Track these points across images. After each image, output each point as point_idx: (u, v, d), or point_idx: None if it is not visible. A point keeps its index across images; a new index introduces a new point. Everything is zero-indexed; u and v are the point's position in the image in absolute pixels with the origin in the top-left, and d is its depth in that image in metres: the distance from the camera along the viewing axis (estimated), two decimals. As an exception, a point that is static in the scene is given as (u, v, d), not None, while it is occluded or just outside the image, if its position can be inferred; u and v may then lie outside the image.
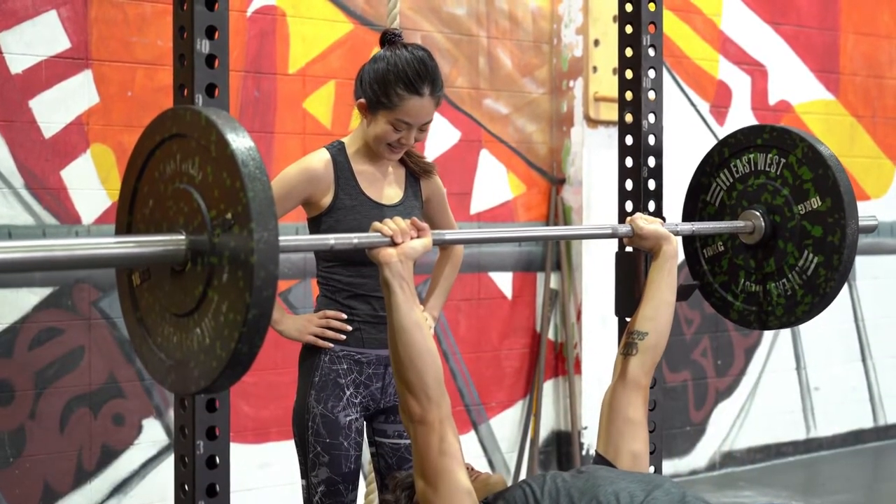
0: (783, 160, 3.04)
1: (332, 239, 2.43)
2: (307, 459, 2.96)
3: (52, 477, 4.29)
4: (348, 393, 2.99)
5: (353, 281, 2.95)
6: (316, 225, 3.00)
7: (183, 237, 2.08)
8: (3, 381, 4.18)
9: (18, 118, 4.20)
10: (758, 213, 3.06)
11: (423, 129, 2.96)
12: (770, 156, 3.06)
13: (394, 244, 2.46)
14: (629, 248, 3.14)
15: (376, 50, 3.06)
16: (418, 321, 2.45)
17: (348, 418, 2.96)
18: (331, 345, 2.98)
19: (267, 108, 4.73)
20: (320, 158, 3.01)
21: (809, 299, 2.98)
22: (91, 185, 4.34)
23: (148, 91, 4.43)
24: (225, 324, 2.00)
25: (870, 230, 3.16)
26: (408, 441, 3.08)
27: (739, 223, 3.07)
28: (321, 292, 3.04)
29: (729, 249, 3.13)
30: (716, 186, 3.15)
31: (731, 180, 3.13)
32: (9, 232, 4.18)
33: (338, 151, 3.03)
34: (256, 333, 1.99)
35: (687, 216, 3.21)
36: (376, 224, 2.48)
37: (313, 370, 2.99)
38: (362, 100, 2.97)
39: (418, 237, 2.49)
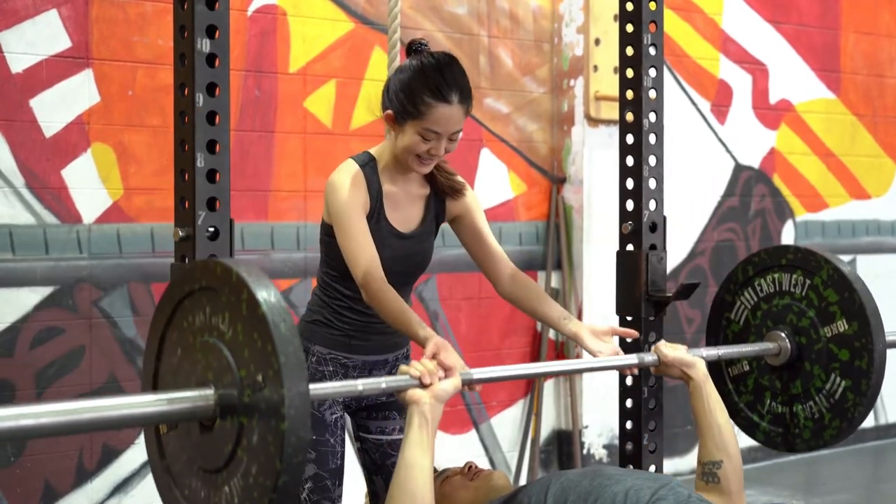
0: (808, 281, 3.03)
1: (360, 385, 2.43)
2: None
3: (52, 476, 4.29)
4: None
5: (352, 295, 2.94)
6: (333, 240, 2.90)
7: (212, 392, 2.07)
8: (4, 381, 4.18)
9: (19, 117, 4.20)
10: (783, 335, 3.05)
11: (452, 138, 2.85)
12: (795, 276, 3.05)
13: (423, 385, 2.48)
14: (630, 247, 3.14)
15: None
16: (423, 467, 2.44)
17: (334, 416, 2.98)
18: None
19: (267, 107, 4.73)
20: (355, 172, 2.89)
21: (837, 423, 2.97)
22: (92, 184, 4.34)
23: (149, 90, 4.42)
24: (254, 486, 1.99)
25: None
26: (390, 437, 3.10)
27: (766, 346, 3.06)
28: (318, 292, 3.03)
29: (754, 369, 3.12)
30: (740, 305, 3.14)
31: (756, 299, 3.12)
32: (9, 231, 4.18)
33: (368, 166, 2.92)
34: (287, 499, 1.97)
35: (711, 333, 3.20)
36: (403, 367, 2.52)
37: None
38: (389, 111, 2.87)
39: (446, 377, 2.51)
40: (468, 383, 2.57)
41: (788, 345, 3.04)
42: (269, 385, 1.96)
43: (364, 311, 2.95)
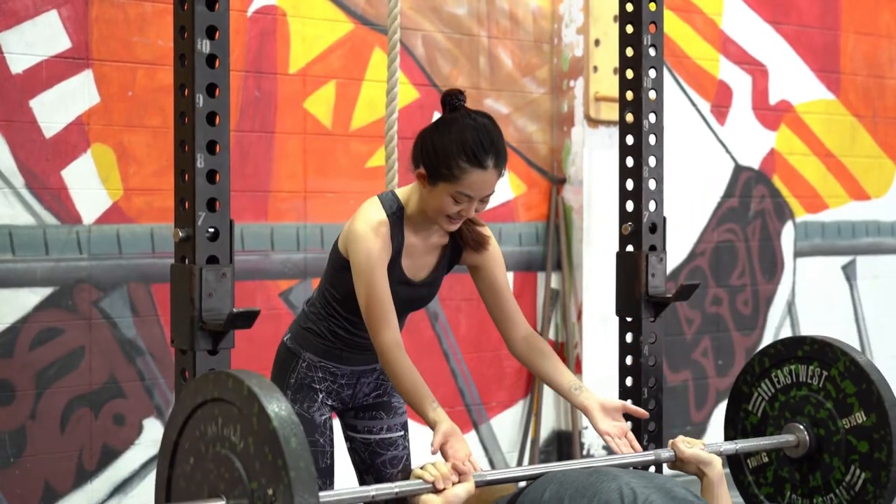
0: (825, 373, 3.03)
1: (372, 491, 2.45)
2: None
3: (52, 477, 4.28)
4: (321, 396, 3.01)
5: (351, 319, 2.94)
6: (344, 272, 2.87)
7: None
8: (3, 381, 4.18)
9: (19, 118, 4.20)
10: (802, 427, 3.05)
11: (483, 200, 2.79)
12: (811, 368, 3.05)
13: (436, 490, 2.49)
14: (630, 248, 3.14)
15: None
16: None
17: (323, 417, 3.00)
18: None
19: (267, 107, 4.73)
20: (381, 221, 2.83)
21: None
22: (91, 184, 4.34)
23: (148, 91, 4.42)
24: None
25: None
26: (378, 437, 3.11)
27: (784, 438, 3.05)
28: (317, 303, 3.00)
29: (773, 461, 3.12)
30: (757, 396, 3.15)
31: (773, 391, 3.12)
32: (9, 232, 4.17)
33: (395, 215, 2.87)
34: None
35: (729, 425, 3.19)
36: (417, 471, 2.53)
37: (290, 372, 3.01)
38: (422, 169, 2.78)
39: (460, 481, 2.52)
40: (481, 486, 2.58)
41: (807, 437, 3.03)
42: (280, 499, 1.98)
43: (358, 334, 2.95)
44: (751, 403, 3.16)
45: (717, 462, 2.87)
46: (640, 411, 3.01)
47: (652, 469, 3.03)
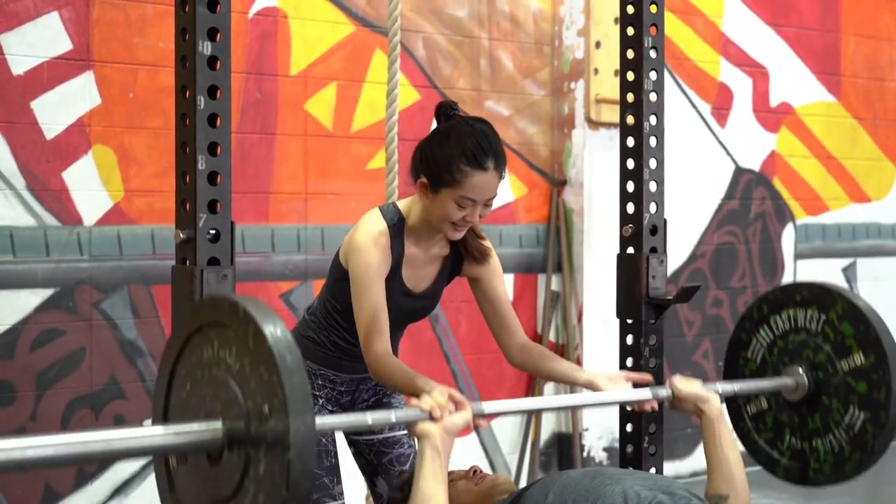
0: (823, 316, 3.03)
1: (369, 418, 2.46)
2: None
3: (53, 478, 4.28)
4: (321, 402, 3.03)
5: (352, 329, 2.94)
6: (345, 283, 2.88)
7: (220, 425, 2.10)
8: (4, 382, 4.18)
9: (20, 119, 4.20)
10: (800, 370, 3.04)
11: (487, 204, 2.81)
12: (810, 312, 3.05)
13: (433, 419, 2.49)
14: (630, 250, 3.14)
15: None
16: (438, 497, 2.45)
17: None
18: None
19: (268, 109, 4.73)
20: (381, 231, 2.85)
21: (857, 456, 2.97)
22: (92, 186, 4.34)
23: (149, 92, 4.43)
24: None
25: None
26: (381, 436, 3.11)
27: (783, 381, 3.05)
28: (317, 312, 3.01)
29: (773, 406, 3.11)
30: (756, 343, 3.15)
31: (772, 337, 3.12)
32: (10, 233, 4.18)
33: (396, 228, 2.88)
34: None
35: (728, 373, 3.19)
36: (414, 400, 2.52)
37: None
38: (423, 179, 2.80)
39: (457, 410, 2.52)
40: (479, 416, 2.58)
41: (806, 380, 3.03)
42: (275, 415, 1.99)
43: (358, 345, 2.94)
44: (749, 350, 3.16)
45: (715, 399, 2.88)
46: (644, 377, 3.01)
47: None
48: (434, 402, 2.50)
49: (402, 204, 2.94)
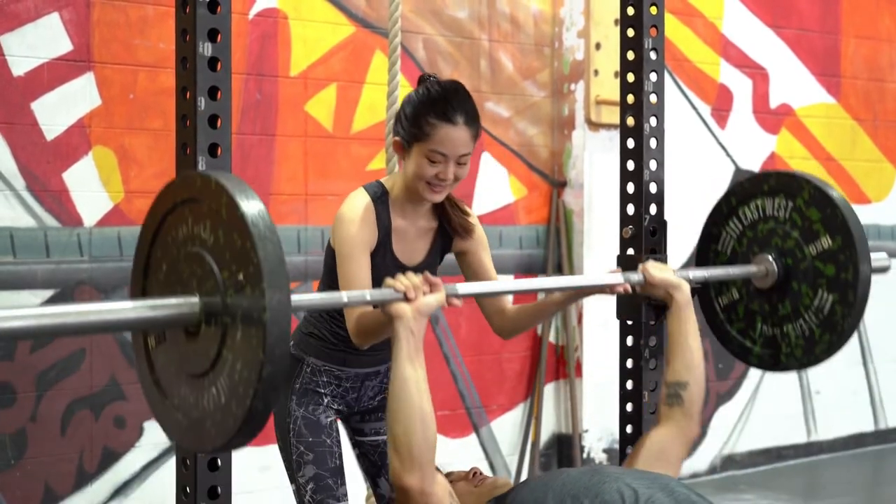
0: (791, 203, 3.05)
1: (345, 296, 2.47)
2: (292, 462, 2.99)
3: (53, 479, 4.29)
4: (327, 400, 3.03)
5: None
6: (337, 269, 2.89)
7: (196, 299, 2.10)
8: (4, 384, 4.18)
9: (20, 120, 4.20)
10: (770, 258, 3.07)
11: (460, 162, 2.84)
12: (777, 200, 3.08)
13: (407, 299, 2.47)
14: (630, 252, 3.14)
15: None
16: (417, 379, 2.45)
17: (328, 419, 3.01)
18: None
19: (268, 110, 4.73)
20: (364, 205, 2.87)
21: (828, 337, 2.99)
22: (93, 187, 4.34)
23: (150, 93, 4.43)
24: (239, 382, 2.02)
25: (883, 270, 3.16)
26: (385, 437, 3.10)
27: (752, 268, 3.08)
28: (315, 313, 3.03)
29: (744, 296, 3.14)
30: (726, 235, 3.17)
31: (741, 228, 3.14)
32: (10, 234, 4.18)
33: (379, 199, 2.90)
34: (271, 390, 2.00)
35: (699, 266, 3.19)
36: (389, 280, 2.51)
37: (294, 377, 3.02)
38: (397, 138, 2.87)
39: (431, 292, 2.51)
40: (453, 296, 2.57)
41: (775, 267, 3.06)
42: (250, 282, 2.00)
43: None
44: (720, 243, 3.18)
45: (686, 286, 2.91)
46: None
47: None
48: (409, 282, 2.49)
49: (386, 179, 2.98)
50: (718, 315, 3.19)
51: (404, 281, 2.49)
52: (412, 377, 2.45)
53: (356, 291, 2.58)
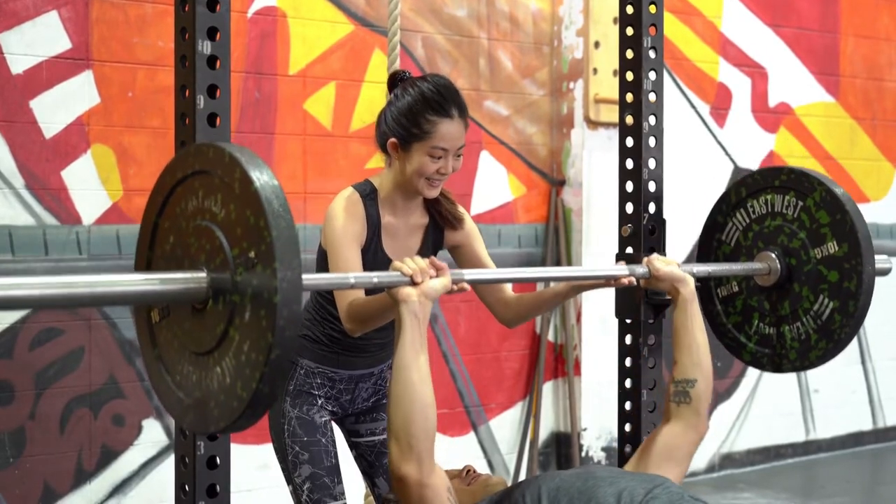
0: (801, 203, 3.02)
1: (352, 278, 2.45)
2: (288, 463, 2.99)
3: (52, 477, 4.29)
4: (320, 401, 3.02)
5: None
6: (327, 262, 2.91)
7: (204, 275, 2.06)
8: (3, 382, 4.18)
9: (19, 118, 4.20)
10: (774, 256, 3.04)
11: (458, 154, 2.88)
12: (787, 198, 3.05)
13: (413, 283, 2.47)
14: (629, 250, 3.14)
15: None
16: (419, 366, 2.43)
17: (323, 419, 3.01)
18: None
19: (267, 109, 4.73)
20: (352, 200, 2.90)
21: (824, 344, 2.97)
22: (91, 185, 4.34)
23: (149, 92, 4.43)
24: (246, 363, 1.98)
25: (884, 273, 3.15)
26: (382, 437, 3.11)
27: (756, 265, 3.05)
28: (310, 309, 3.01)
29: (744, 290, 3.11)
30: (731, 226, 3.14)
31: (748, 221, 3.11)
32: (9, 232, 4.18)
33: (368, 196, 2.92)
34: (279, 374, 1.97)
35: (702, 255, 3.18)
36: (396, 263, 2.50)
37: (288, 379, 3.02)
38: (392, 139, 2.87)
39: (437, 276, 2.50)
40: (459, 282, 2.57)
41: (778, 265, 3.03)
42: (262, 260, 1.95)
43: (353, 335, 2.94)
44: (724, 233, 3.15)
45: (691, 280, 2.90)
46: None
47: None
48: (416, 265, 2.48)
49: (374, 178, 2.99)
50: (717, 306, 3.17)
51: (411, 264, 2.49)
52: (414, 364, 2.43)
53: (363, 273, 2.57)
